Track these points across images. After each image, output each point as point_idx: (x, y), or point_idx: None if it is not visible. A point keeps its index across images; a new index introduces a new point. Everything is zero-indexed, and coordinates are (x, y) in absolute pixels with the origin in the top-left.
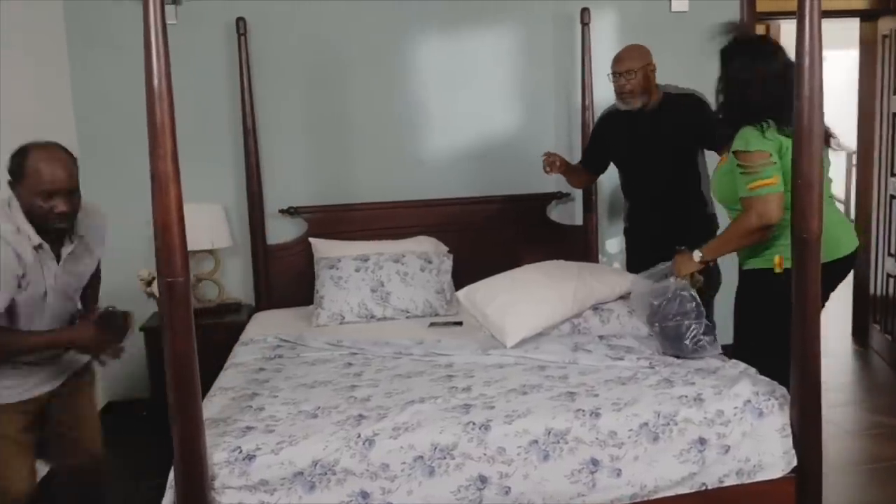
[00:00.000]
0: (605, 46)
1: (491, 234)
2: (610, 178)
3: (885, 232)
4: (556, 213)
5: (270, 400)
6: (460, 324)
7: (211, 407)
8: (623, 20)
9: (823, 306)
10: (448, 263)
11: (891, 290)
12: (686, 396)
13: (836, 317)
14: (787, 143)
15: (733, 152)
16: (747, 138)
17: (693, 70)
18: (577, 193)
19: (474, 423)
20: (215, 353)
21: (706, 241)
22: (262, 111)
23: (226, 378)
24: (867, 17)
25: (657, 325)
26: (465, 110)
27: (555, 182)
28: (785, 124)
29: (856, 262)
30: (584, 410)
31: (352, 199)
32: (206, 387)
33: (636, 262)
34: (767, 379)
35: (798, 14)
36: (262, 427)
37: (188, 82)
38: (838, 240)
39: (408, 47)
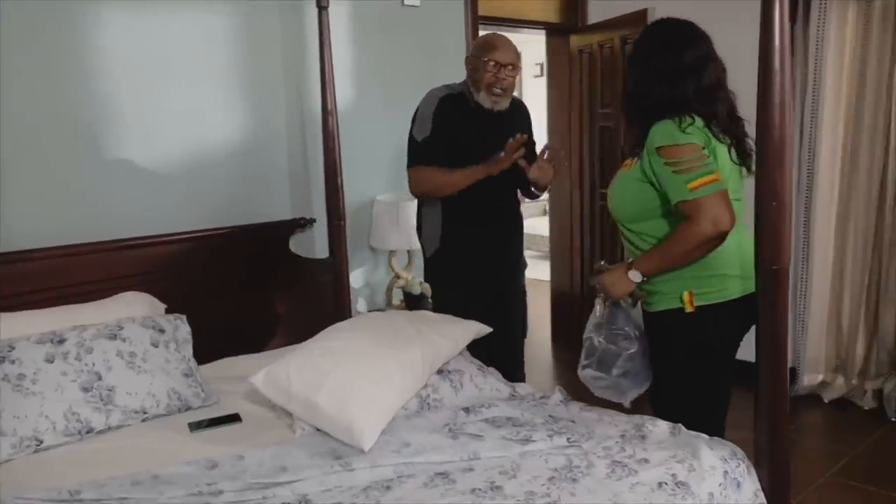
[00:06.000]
0: (336, 40)
1: (217, 279)
2: (359, 196)
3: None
4: (293, 244)
5: None
6: (238, 418)
7: None
8: (356, 12)
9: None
10: (185, 329)
11: None
12: (665, 484)
13: None
14: (716, 144)
15: (657, 149)
16: (668, 132)
17: (428, 68)
18: (322, 219)
19: None
20: None
21: (519, 247)
22: None
23: None
24: (554, 31)
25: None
26: (175, 108)
27: (290, 206)
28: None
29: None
30: None
31: (3, 247)
32: None
33: (457, 295)
34: (716, 438)
35: (763, 5)
36: None
37: None
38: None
39: (88, 18)
